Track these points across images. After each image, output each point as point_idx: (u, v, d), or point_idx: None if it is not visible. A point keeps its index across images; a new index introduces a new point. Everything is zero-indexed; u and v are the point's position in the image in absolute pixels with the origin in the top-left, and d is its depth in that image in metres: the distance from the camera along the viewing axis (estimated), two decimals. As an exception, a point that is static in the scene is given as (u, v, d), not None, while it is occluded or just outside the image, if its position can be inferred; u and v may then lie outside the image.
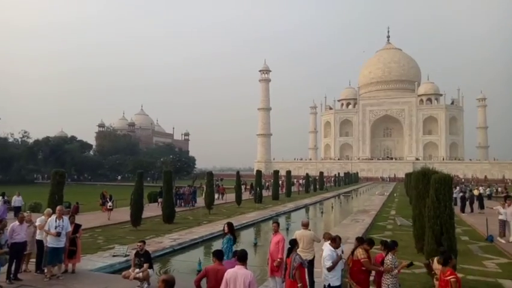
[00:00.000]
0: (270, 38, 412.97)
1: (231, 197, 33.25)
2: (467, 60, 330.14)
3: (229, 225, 8.42)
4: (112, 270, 10.25)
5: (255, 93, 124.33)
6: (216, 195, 35.22)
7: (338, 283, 6.60)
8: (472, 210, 26.10)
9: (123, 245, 12.08)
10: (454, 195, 26.66)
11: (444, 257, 6.06)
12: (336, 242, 6.83)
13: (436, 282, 6.42)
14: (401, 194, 43.10)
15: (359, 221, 19.88)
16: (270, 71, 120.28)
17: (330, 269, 6.50)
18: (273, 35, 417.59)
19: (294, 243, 6.89)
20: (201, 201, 28.75)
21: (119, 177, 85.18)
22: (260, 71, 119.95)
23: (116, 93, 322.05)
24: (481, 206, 26.55)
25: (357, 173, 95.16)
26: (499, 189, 47.16)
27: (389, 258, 6.57)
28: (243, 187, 40.31)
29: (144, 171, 35.68)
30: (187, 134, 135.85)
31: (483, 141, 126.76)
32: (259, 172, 34.61)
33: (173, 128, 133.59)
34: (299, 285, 6.20)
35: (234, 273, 4.79)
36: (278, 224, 8.33)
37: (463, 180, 76.91)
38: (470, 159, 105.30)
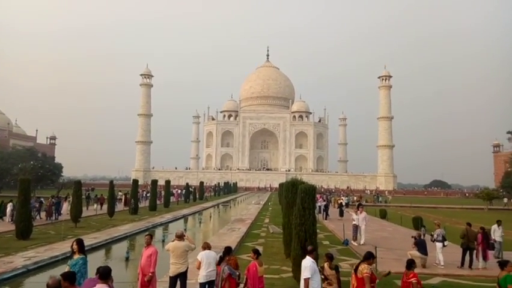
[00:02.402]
0: (157, 43, 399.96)
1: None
2: (331, 75, 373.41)
3: (78, 242, 6.68)
4: None
5: (136, 99, 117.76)
6: (95, 206, 32.48)
7: None
8: (325, 217, 28.90)
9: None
10: (318, 204, 29.64)
11: (408, 262, 6.91)
12: (314, 253, 6.84)
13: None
14: (274, 203, 45.92)
15: (235, 230, 20.41)
16: (152, 76, 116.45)
17: (306, 281, 6.36)
18: (159, 41, 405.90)
19: (225, 253, 6.79)
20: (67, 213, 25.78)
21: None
22: (141, 75, 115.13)
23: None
24: (341, 214, 30.06)
25: (237, 182, 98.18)
26: (355, 198, 54.26)
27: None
28: (122, 197, 37.82)
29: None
30: (53, 138, 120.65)
31: (343, 155, 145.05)
32: (135, 181, 32.84)
33: (37, 131, 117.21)
34: None
35: (95, 293, 4.35)
36: (151, 236, 8.01)
37: (322, 190, 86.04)
38: (336, 172, 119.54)
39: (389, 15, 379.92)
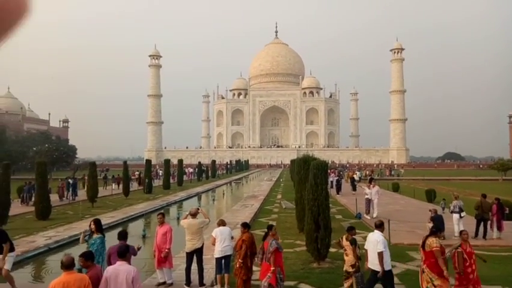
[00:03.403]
0: (165, 27, 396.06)
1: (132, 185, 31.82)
2: (343, 57, 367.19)
3: (96, 222, 7.15)
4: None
5: (146, 80, 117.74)
6: (113, 186, 33.36)
7: (389, 267, 6.74)
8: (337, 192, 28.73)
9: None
10: (330, 179, 29.67)
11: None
12: (382, 227, 7.01)
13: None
14: (286, 180, 46.14)
15: (248, 206, 20.66)
16: (161, 56, 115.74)
17: (381, 254, 6.51)
18: (168, 23, 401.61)
19: (269, 228, 7.00)
20: (83, 194, 26.37)
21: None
22: (150, 56, 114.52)
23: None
24: (353, 188, 30.09)
25: (248, 160, 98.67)
26: (367, 172, 54.13)
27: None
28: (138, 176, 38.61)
29: (13, 162, 31.11)
30: (66, 121, 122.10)
31: (355, 130, 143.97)
32: (149, 161, 33.27)
33: (49, 114, 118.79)
34: (272, 268, 6.39)
35: (115, 270, 4.46)
36: (163, 215, 8.26)
37: (337, 165, 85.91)
38: (347, 147, 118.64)
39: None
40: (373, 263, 6.63)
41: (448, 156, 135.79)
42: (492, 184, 40.14)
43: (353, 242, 7.09)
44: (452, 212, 13.08)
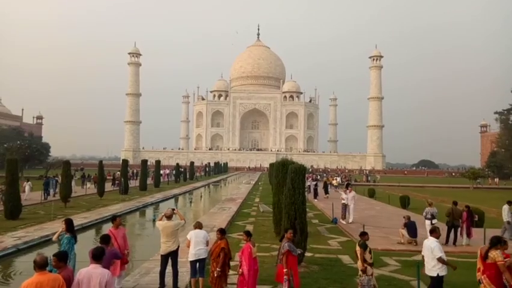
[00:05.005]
0: (146, 24, 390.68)
1: (107, 186, 31.16)
2: (324, 62, 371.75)
3: (67, 222, 7.31)
4: None
5: (125, 77, 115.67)
6: (88, 185, 32.79)
7: (445, 272, 6.73)
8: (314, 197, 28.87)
9: None
10: (308, 184, 29.99)
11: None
12: (436, 232, 6.95)
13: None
14: (265, 183, 46.30)
15: (225, 209, 20.59)
16: (141, 54, 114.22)
17: (441, 259, 6.54)
18: (149, 21, 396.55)
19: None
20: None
21: None
22: (130, 53, 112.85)
23: None
24: (326, 191, 30.59)
25: (227, 163, 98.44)
26: (343, 177, 54.98)
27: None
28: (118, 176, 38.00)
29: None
30: (40, 118, 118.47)
31: (333, 136, 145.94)
32: (125, 161, 32.78)
33: (23, 110, 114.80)
34: (285, 270, 6.50)
35: (88, 273, 4.36)
36: (120, 217, 8.50)
37: (320, 170, 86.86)
38: (323, 152, 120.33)
39: (383, 6, 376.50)
40: (430, 270, 6.71)
41: (422, 163, 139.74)
42: (463, 192, 41.52)
43: (363, 246, 7.08)
44: (425, 218, 13.47)
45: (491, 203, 24.88)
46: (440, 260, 6.59)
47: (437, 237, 6.90)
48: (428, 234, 7.25)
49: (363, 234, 7.38)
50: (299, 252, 7.62)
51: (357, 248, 7.19)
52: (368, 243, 7.28)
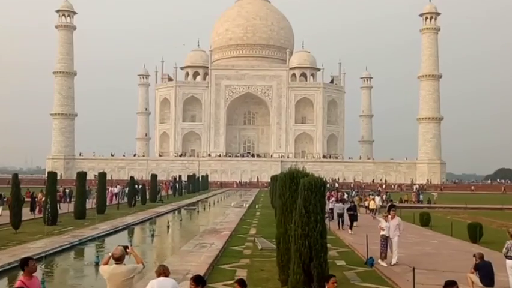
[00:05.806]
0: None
1: (26, 212, 31.34)
2: (352, 24, 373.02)
3: None
4: None
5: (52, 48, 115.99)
6: (0, 210, 32.63)
7: None
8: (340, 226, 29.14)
9: None
10: (330, 206, 29.97)
11: None
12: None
13: None
14: (264, 205, 46.30)
15: (205, 246, 20.57)
16: (75, 13, 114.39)
17: None
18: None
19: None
20: None
21: None
22: (58, 11, 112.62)
23: None
24: (353, 219, 30.40)
25: (207, 175, 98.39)
26: (384, 197, 55.07)
27: None
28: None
29: None
30: None
31: (367, 133, 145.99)
32: (52, 174, 32.54)
33: None
34: None
35: None
36: (33, 260, 8.56)
37: (352, 186, 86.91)
38: (351, 158, 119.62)
39: None
40: None
41: (500, 174, 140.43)
42: None
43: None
44: (506, 257, 13.44)
45: None
46: None
47: None
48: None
49: (451, 285, 6.78)
50: None
51: None
52: None
